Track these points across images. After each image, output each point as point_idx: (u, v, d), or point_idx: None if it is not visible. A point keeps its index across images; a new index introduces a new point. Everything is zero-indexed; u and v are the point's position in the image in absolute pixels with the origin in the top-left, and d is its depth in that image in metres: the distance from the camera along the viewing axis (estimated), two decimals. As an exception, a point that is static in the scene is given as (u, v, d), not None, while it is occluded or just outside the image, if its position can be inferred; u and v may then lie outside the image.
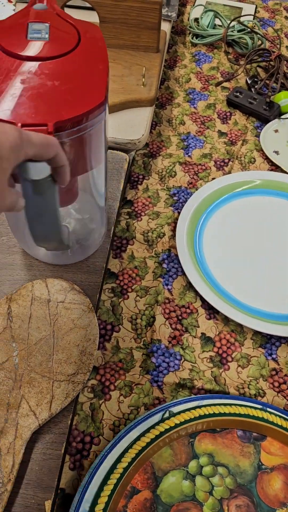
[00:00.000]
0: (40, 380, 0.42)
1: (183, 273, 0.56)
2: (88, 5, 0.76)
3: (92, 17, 0.77)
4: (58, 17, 0.38)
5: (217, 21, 0.94)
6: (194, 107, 0.78)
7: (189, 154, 0.70)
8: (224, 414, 0.44)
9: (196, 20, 0.94)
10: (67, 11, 0.81)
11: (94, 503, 0.38)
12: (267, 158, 0.70)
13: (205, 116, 0.77)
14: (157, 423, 0.43)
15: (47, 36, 0.35)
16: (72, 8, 0.83)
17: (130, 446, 0.42)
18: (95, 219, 0.54)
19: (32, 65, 0.34)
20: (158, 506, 0.40)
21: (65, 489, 0.42)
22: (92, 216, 0.54)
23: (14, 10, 0.85)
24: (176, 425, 0.43)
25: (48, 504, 0.37)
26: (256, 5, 1.00)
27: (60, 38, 0.36)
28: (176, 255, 0.57)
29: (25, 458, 0.39)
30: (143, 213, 0.62)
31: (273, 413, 0.45)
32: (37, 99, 0.32)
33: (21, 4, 0.89)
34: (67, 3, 0.72)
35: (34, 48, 0.34)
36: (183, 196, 0.64)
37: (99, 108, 0.35)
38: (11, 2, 0.89)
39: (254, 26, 0.92)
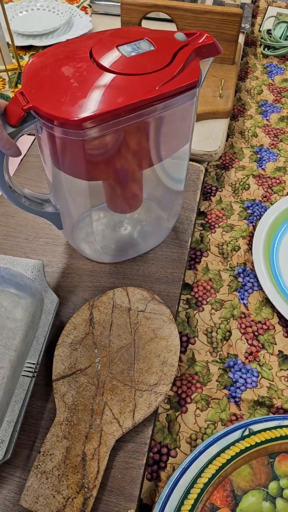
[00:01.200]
0: (122, 388, 0.43)
1: (260, 288, 0.55)
2: (167, 16, 0.77)
3: (170, 28, 0.78)
4: (171, 48, 0.38)
5: (290, 33, 0.93)
6: (267, 120, 0.77)
7: (263, 167, 0.70)
8: (306, 437, 0.43)
9: (268, 31, 0.93)
10: (146, 22, 0.82)
11: (175, 516, 0.38)
12: None
13: (278, 129, 0.76)
14: (237, 440, 0.43)
15: (133, 54, 0.37)
16: (151, 20, 0.84)
17: (210, 462, 0.41)
18: (169, 208, 0.54)
19: (108, 76, 0.35)
20: (237, 525, 0.39)
21: (143, 499, 0.42)
22: (167, 205, 0.54)
23: (90, 21, 0.87)
24: (257, 444, 0.43)
25: (131, 514, 0.38)
26: None
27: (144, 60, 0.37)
28: (252, 269, 0.57)
29: (108, 465, 0.40)
30: (216, 225, 0.62)
31: None
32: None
33: (96, 15, 0.92)
34: (147, 15, 0.73)
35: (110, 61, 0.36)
36: (258, 209, 0.63)
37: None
38: (87, 13, 0.92)
39: None
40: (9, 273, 0.48)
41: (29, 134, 0.38)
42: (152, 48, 0.38)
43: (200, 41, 0.39)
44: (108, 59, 0.37)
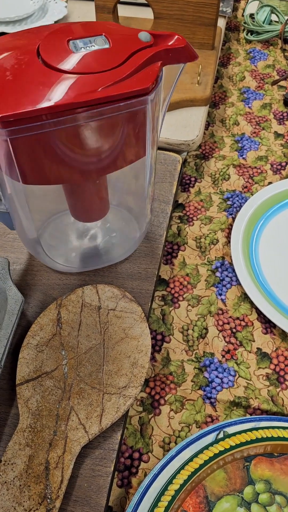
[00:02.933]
0: (90, 392, 0.41)
1: (238, 283, 0.53)
2: (142, 1, 0.74)
3: (146, 13, 0.75)
4: (130, 43, 0.34)
5: (274, 17, 0.90)
6: (249, 107, 0.75)
7: (244, 156, 0.67)
8: (283, 439, 0.41)
9: (252, 16, 0.90)
10: (122, 7, 0.79)
11: (144, 526, 0.36)
12: None
13: (260, 117, 0.73)
14: (211, 444, 0.41)
15: (84, 51, 0.33)
16: (126, 4, 0.81)
17: (182, 467, 0.40)
18: (136, 216, 0.51)
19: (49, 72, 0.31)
20: (210, 533, 0.38)
21: (113, 507, 0.40)
22: (133, 211, 0.51)
23: (66, 7, 0.84)
24: (231, 447, 0.41)
25: (97, 525, 0.36)
26: (315, 0, 0.95)
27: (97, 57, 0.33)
28: (230, 264, 0.54)
29: (73, 473, 0.38)
30: (195, 218, 0.60)
31: None
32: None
33: (72, 1, 0.88)
34: (120, 0, 0.70)
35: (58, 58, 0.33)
36: (238, 200, 0.61)
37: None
38: (63, -1, 0.88)
39: (314, 21, 0.87)
40: (-29, 272, 0.46)
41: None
42: (107, 46, 0.34)
43: (170, 43, 0.34)
44: (53, 54, 0.32)
